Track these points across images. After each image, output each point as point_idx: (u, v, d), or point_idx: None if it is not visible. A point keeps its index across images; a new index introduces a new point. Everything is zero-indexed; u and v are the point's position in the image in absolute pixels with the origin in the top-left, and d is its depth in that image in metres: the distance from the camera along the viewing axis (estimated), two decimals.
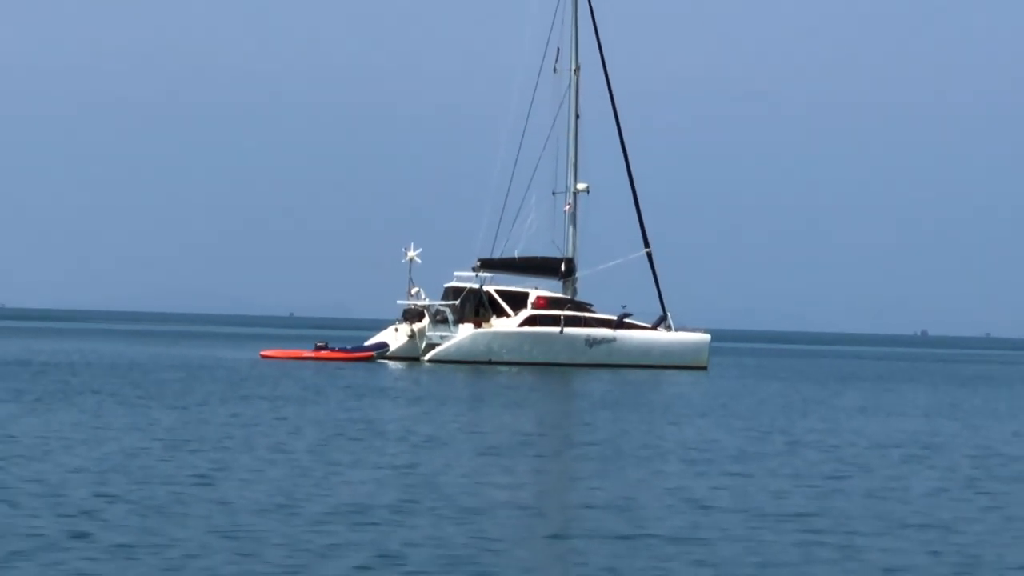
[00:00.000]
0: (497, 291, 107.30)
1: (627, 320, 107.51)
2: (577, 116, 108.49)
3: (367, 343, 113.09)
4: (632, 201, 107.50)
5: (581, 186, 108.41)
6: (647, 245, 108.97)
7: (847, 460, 48.38)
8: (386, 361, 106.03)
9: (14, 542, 23.67)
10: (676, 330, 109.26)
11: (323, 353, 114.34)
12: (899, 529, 31.61)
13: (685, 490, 38.26)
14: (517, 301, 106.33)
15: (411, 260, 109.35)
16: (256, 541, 25.88)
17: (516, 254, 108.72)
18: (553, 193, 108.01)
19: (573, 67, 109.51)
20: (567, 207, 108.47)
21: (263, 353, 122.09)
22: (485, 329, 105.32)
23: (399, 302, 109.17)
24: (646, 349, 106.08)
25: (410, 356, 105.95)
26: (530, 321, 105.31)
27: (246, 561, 23.81)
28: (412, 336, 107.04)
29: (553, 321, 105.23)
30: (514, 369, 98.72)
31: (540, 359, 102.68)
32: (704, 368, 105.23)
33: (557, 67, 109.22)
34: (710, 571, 25.03)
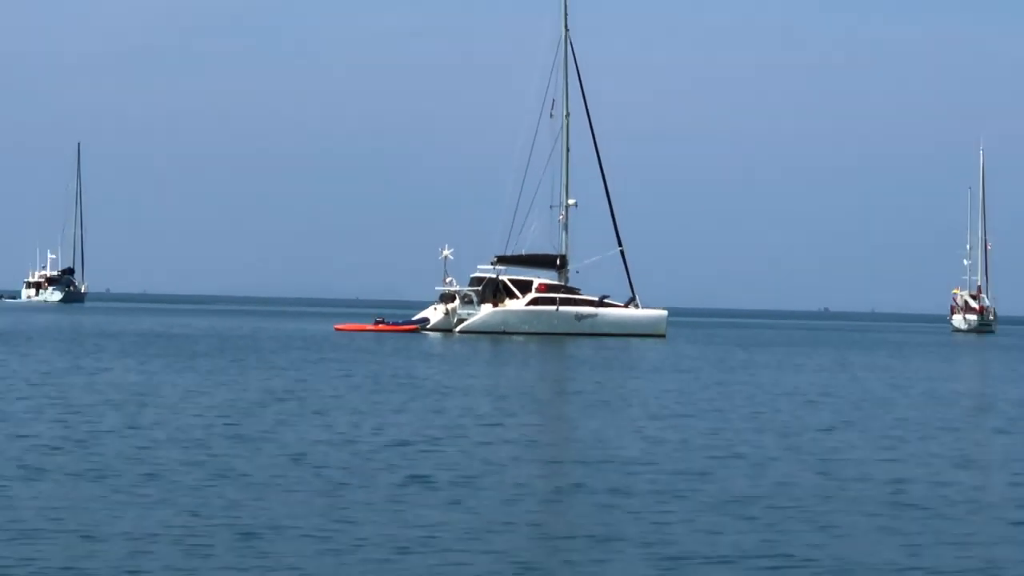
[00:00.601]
0: (509, 280, 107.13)
1: (605, 300, 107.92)
2: (568, 149, 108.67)
3: (413, 318, 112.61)
4: (609, 213, 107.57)
5: (571, 202, 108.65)
6: (620, 245, 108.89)
7: (762, 402, 48.24)
8: (427, 332, 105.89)
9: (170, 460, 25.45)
10: (642, 308, 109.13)
11: (380, 326, 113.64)
12: (795, 451, 32.55)
13: (640, 425, 38.55)
14: (524, 287, 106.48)
15: (445, 257, 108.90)
16: (323, 465, 26.79)
17: (523, 252, 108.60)
18: (551, 207, 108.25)
19: (565, 113, 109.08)
20: (561, 217, 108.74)
21: (337, 326, 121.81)
22: (500, 308, 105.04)
23: (437, 288, 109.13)
24: (620, 322, 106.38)
25: (445, 328, 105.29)
26: (534, 302, 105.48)
27: (316, 480, 24.87)
28: (447, 313, 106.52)
29: (551, 301, 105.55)
30: (521, 338, 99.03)
31: (541, 330, 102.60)
32: (663, 336, 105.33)
33: (553, 113, 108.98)
34: (658, 475, 26.89)
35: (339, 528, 19.76)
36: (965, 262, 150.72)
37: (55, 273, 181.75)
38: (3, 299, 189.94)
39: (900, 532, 19.97)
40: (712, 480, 27.04)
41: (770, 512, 22.95)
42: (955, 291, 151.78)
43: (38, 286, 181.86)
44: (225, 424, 34.72)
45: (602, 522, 20.85)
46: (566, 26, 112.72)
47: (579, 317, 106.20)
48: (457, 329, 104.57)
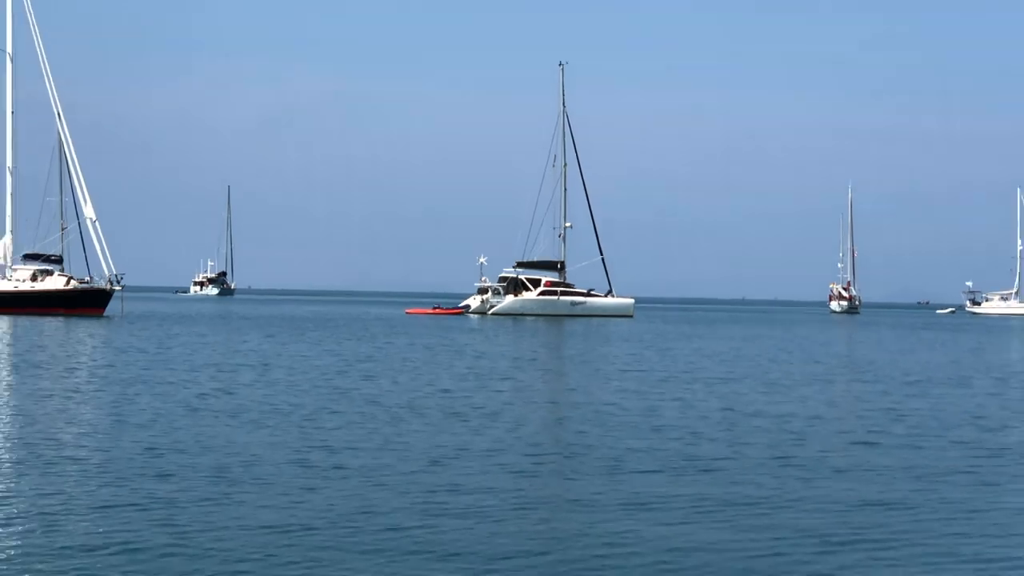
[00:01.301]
0: (525, 278, 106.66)
1: (592, 293, 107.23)
2: (565, 189, 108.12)
3: (460, 304, 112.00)
4: (593, 232, 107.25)
5: (568, 224, 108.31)
6: (601, 254, 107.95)
7: (695, 362, 46.98)
8: (469, 314, 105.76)
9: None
10: (617, 297, 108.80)
11: (437, 310, 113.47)
12: (710, 393, 32.54)
13: (611, 379, 38.13)
14: (535, 283, 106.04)
15: (481, 263, 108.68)
16: (391, 405, 27.10)
17: (535, 259, 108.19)
18: (553, 228, 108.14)
19: (563, 163, 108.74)
20: (560, 235, 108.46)
21: (407, 311, 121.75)
22: (519, 297, 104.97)
23: (476, 284, 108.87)
24: (601, 307, 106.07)
25: (481, 312, 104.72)
26: (542, 293, 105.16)
27: (384, 415, 25.37)
28: (483, 301, 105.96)
29: (553, 293, 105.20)
30: (533, 318, 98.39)
31: (547, 313, 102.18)
32: (631, 317, 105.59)
33: (555, 164, 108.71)
34: (617, 408, 27.61)
35: (398, 444, 20.88)
36: (839, 265, 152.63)
37: (213, 275, 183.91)
38: (177, 293, 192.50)
39: (779, 447, 20.47)
40: (658, 413, 27.09)
41: (685, 432, 23.42)
42: (832, 285, 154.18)
43: (202, 284, 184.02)
44: (325, 378, 34.60)
45: (575, 442, 21.52)
46: (563, 104, 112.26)
47: (573, 304, 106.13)
48: (489, 312, 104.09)
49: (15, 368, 36.80)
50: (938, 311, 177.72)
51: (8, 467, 18.50)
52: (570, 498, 16.73)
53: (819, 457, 20.13)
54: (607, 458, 20.93)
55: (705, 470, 19.45)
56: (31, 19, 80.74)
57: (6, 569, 11.62)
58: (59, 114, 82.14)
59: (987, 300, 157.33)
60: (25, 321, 68.79)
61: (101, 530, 13.89)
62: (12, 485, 16.85)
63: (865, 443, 22.85)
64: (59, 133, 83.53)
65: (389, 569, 12.20)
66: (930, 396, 34.53)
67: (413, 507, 16.05)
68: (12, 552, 12.63)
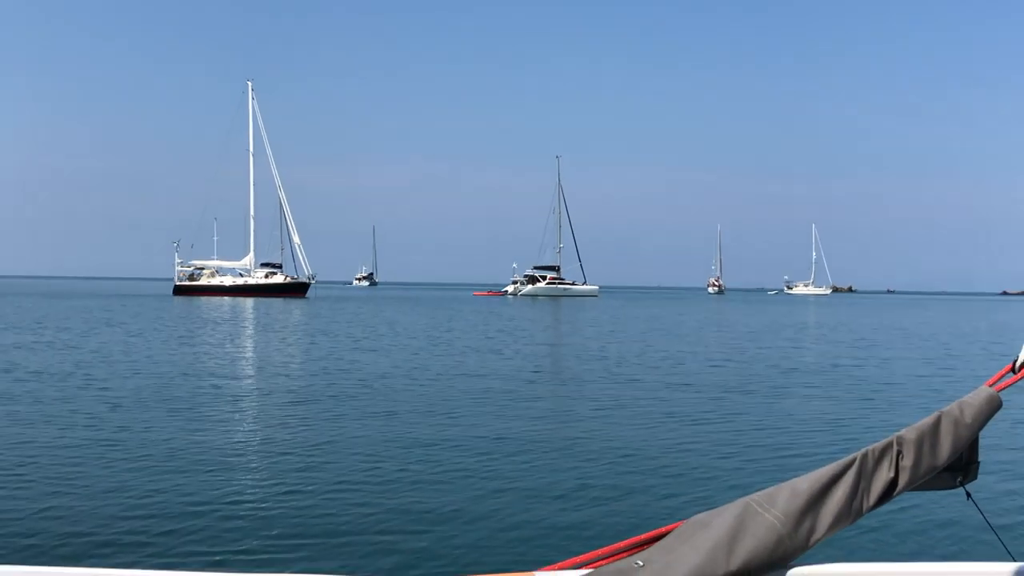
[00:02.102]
0: (538, 274, 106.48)
1: (574, 283, 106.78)
2: (559, 227, 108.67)
3: (502, 289, 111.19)
4: (575, 251, 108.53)
5: (560, 246, 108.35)
6: (580, 262, 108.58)
7: (638, 328, 44.19)
8: (507, 295, 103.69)
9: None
10: (589, 285, 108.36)
11: (490, 293, 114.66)
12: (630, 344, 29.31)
13: (582, 328, 36.67)
14: (544, 278, 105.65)
15: (514, 267, 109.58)
16: (456, 352, 24.44)
17: (543, 264, 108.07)
18: (553, 248, 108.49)
19: (558, 212, 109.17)
20: (557, 252, 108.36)
21: (475, 293, 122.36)
22: (534, 286, 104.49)
23: (511, 278, 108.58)
24: (579, 291, 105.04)
25: (514, 294, 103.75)
26: (548, 283, 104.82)
27: (447, 355, 23.92)
28: (515, 288, 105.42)
29: (554, 283, 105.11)
30: (544, 298, 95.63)
31: (551, 295, 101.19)
32: (597, 297, 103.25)
33: (553, 212, 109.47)
34: (576, 350, 26.09)
35: (462, 370, 19.40)
36: (712, 267, 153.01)
37: (366, 274, 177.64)
38: (345, 285, 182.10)
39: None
40: (612, 356, 23.56)
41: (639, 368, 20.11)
42: (711, 279, 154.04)
43: (360, 279, 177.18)
44: (427, 335, 31.32)
45: (574, 374, 18.57)
46: (559, 179, 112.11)
47: (564, 289, 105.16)
48: (520, 295, 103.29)
49: (270, 324, 37.80)
50: (768, 292, 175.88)
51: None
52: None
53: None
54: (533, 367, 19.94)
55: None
56: (261, 125, 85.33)
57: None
58: (279, 184, 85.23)
59: (795, 285, 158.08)
60: (263, 300, 70.99)
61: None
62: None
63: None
64: (279, 195, 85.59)
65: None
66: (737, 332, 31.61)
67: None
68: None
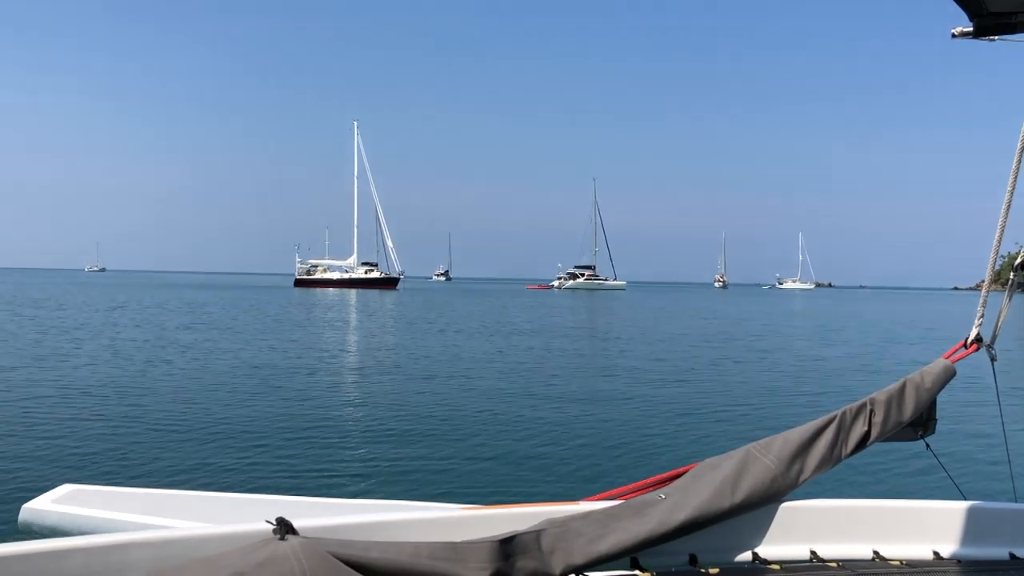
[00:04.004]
0: (578, 271, 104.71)
1: (607, 279, 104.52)
2: (595, 234, 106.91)
3: (549, 284, 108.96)
4: (607, 253, 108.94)
5: (596, 249, 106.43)
6: (611, 262, 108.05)
7: (641, 310, 43.57)
8: (554, 288, 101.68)
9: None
10: (618, 280, 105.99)
11: (540, 286, 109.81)
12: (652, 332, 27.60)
13: (612, 316, 35.90)
14: (583, 275, 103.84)
15: (559, 266, 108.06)
16: (505, 332, 23.37)
17: (582, 263, 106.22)
18: (591, 251, 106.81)
19: (594, 222, 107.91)
20: (594, 254, 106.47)
21: (527, 286, 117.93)
22: (575, 280, 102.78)
23: (557, 275, 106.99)
24: (610, 286, 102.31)
25: (559, 287, 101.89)
26: (586, 279, 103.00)
27: (498, 335, 22.68)
28: (560, 282, 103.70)
29: (591, 279, 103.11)
30: (581, 291, 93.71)
31: (588, 288, 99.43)
32: (624, 290, 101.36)
33: (591, 223, 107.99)
34: (620, 331, 24.81)
35: (520, 341, 19.08)
36: (719, 266, 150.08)
37: (443, 271, 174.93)
38: (428, 279, 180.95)
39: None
40: (632, 334, 23.20)
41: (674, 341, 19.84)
42: (717, 275, 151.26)
43: (438, 275, 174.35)
44: (492, 316, 31.37)
45: (602, 354, 16.79)
46: (595, 196, 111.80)
47: (599, 284, 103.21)
48: (563, 288, 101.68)
49: (369, 309, 37.07)
50: (763, 287, 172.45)
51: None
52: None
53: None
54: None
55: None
56: (363, 155, 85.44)
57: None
58: (376, 200, 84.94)
59: (785, 281, 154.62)
60: (362, 291, 69.98)
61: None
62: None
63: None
64: (376, 208, 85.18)
65: None
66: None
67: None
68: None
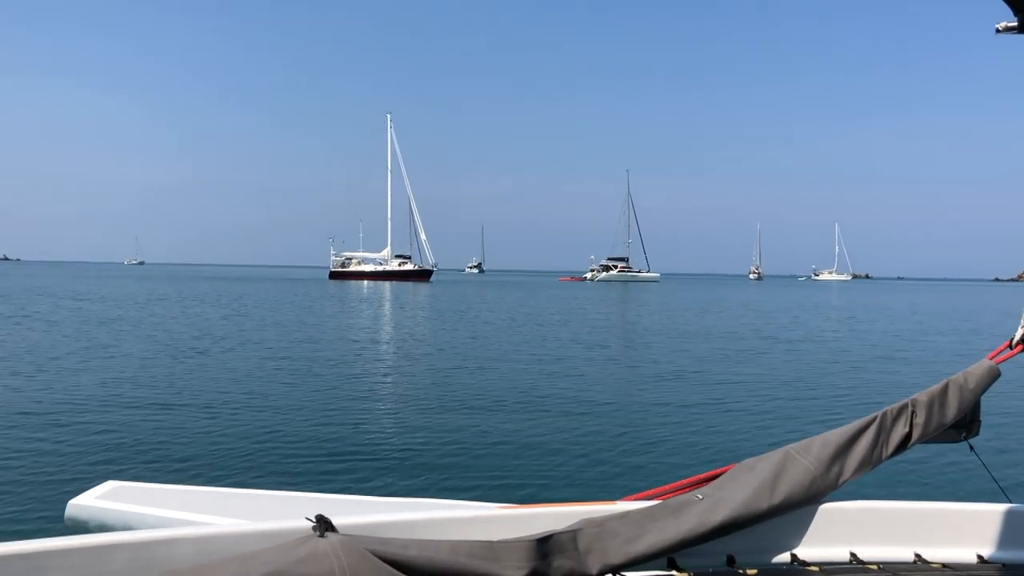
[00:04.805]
0: (611, 264, 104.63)
1: (640, 271, 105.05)
2: (628, 227, 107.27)
3: (582, 276, 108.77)
4: (641, 246, 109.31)
5: (629, 241, 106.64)
6: (644, 253, 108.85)
7: (675, 301, 42.71)
8: (586, 280, 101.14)
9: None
10: (652, 272, 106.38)
11: (573, 278, 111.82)
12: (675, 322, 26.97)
13: (641, 307, 35.22)
14: (615, 267, 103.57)
15: (591, 258, 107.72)
16: (536, 323, 23.53)
17: (615, 255, 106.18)
18: (623, 242, 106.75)
19: (627, 215, 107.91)
20: (627, 246, 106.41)
21: (560, 278, 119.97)
22: (608, 272, 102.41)
23: (590, 267, 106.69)
24: (644, 278, 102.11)
25: (591, 279, 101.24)
26: (619, 271, 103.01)
27: (528, 325, 23.01)
28: (592, 274, 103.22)
29: (624, 271, 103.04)
30: (614, 282, 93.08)
31: (620, 279, 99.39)
32: (658, 282, 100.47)
33: (623, 215, 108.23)
34: (651, 322, 24.50)
35: (552, 334, 19.16)
36: (754, 258, 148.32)
37: (476, 263, 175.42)
38: (461, 271, 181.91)
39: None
40: (665, 329, 22.27)
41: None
42: (752, 267, 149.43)
43: (471, 267, 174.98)
44: (507, 302, 32.45)
45: (633, 343, 17.00)
46: (629, 188, 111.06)
47: (632, 276, 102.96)
48: (596, 280, 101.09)
49: (403, 301, 36.77)
50: (798, 279, 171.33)
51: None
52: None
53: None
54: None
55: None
56: (397, 149, 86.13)
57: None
58: (410, 194, 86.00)
59: (821, 273, 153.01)
60: (396, 284, 70.85)
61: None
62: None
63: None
64: (409, 202, 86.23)
65: None
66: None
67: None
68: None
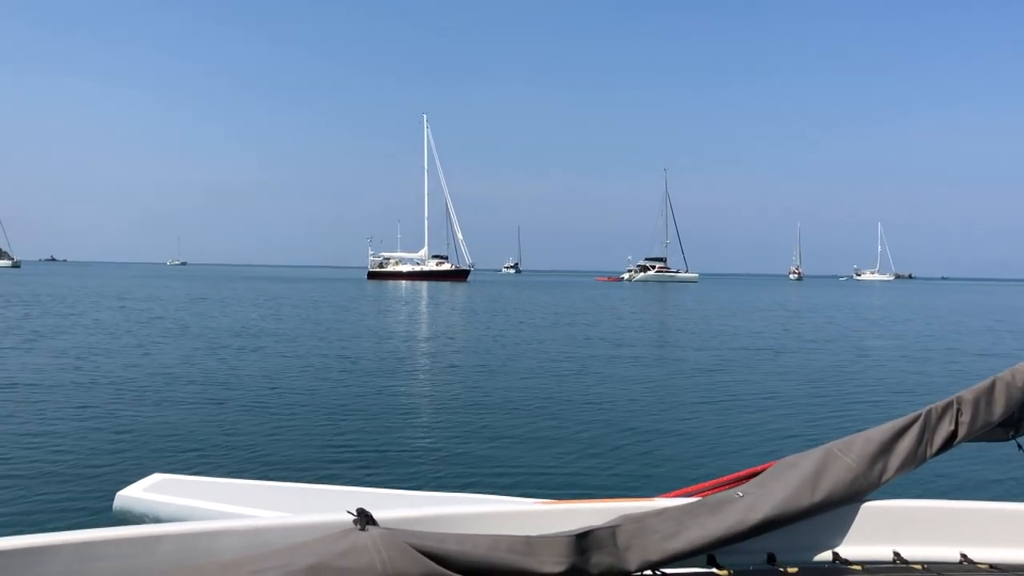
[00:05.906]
0: (648, 264, 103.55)
1: (678, 271, 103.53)
2: (666, 227, 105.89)
3: (620, 276, 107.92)
4: (679, 245, 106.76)
5: (667, 241, 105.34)
6: (683, 254, 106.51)
7: (706, 303, 43.12)
8: (624, 280, 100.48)
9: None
10: (690, 273, 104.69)
11: (610, 279, 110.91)
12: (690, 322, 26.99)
13: (676, 305, 35.58)
14: (653, 267, 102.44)
15: (628, 259, 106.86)
16: (565, 322, 23.11)
17: (653, 256, 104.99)
18: (661, 243, 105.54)
19: (665, 215, 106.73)
20: (664, 246, 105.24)
21: (597, 278, 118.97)
22: (646, 273, 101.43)
23: (627, 267, 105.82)
24: (681, 278, 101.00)
25: (629, 279, 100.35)
26: (656, 272, 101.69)
27: (559, 324, 22.80)
28: (630, 275, 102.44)
29: (662, 271, 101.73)
30: (652, 283, 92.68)
31: (658, 280, 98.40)
32: (696, 282, 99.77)
33: (661, 214, 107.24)
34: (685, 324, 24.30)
35: (592, 332, 18.54)
36: (794, 257, 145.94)
37: (512, 263, 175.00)
38: (498, 271, 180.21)
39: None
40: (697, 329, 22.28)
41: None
42: (792, 267, 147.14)
43: (508, 267, 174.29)
44: (544, 302, 32.57)
45: (660, 340, 17.16)
46: (666, 188, 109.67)
47: (670, 277, 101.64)
48: (634, 280, 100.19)
49: (441, 301, 37.12)
50: (839, 279, 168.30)
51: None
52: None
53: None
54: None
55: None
56: (433, 148, 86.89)
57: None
58: (446, 194, 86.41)
59: (863, 273, 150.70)
60: (434, 284, 71.18)
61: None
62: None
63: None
64: (446, 202, 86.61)
65: None
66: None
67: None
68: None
